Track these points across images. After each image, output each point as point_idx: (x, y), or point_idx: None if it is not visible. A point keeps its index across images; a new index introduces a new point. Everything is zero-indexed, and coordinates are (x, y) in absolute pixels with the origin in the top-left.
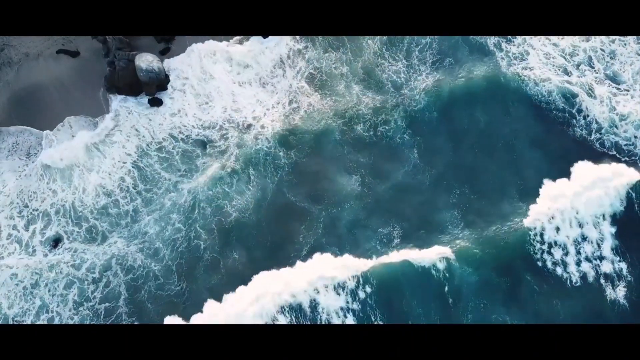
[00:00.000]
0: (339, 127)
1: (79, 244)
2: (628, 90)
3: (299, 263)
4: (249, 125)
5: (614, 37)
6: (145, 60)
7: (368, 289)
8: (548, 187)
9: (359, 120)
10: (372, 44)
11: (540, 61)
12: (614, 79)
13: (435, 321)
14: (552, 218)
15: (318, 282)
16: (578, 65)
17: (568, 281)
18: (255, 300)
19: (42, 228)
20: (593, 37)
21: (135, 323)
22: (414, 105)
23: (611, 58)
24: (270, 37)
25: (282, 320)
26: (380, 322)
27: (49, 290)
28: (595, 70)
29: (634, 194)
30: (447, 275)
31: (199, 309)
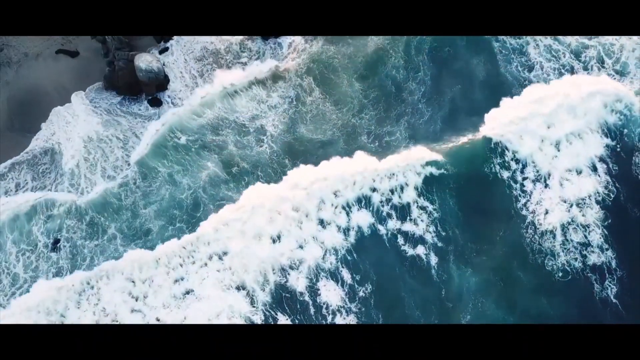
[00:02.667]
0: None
1: (78, 239)
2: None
3: None
4: (250, 128)
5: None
6: (145, 61)
7: None
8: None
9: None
10: (375, 39)
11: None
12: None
13: None
14: None
15: None
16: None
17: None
18: None
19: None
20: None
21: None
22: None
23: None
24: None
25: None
26: None
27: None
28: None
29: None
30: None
31: None
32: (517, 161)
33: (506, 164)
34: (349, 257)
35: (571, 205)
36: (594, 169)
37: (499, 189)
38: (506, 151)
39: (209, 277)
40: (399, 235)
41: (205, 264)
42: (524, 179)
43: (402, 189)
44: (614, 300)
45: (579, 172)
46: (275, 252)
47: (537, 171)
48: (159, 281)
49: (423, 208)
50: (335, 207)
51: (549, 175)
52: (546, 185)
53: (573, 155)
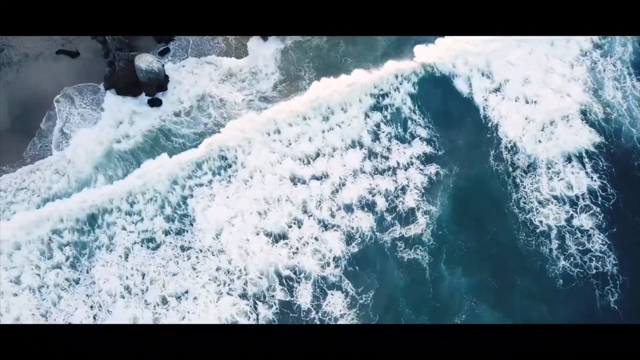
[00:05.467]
0: None
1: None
2: None
3: None
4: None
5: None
6: (145, 61)
7: None
8: None
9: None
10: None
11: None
12: None
13: None
14: None
15: None
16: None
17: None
18: None
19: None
20: None
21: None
22: None
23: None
24: (270, 39)
25: None
26: None
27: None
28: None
29: None
30: None
31: None
32: (509, 150)
33: (501, 156)
34: (350, 268)
35: (564, 203)
36: (583, 164)
37: (495, 185)
38: (501, 140)
39: (205, 278)
40: (398, 241)
41: (205, 256)
42: (515, 168)
43: (403, 190)
44: (613, 306)
45: (568, 160)
46: (275, 257)
47: (529, 156)
48: (154, 276)
49: (426, 213)
50: (337, 209)
51: (537, 159)
52: (535, 173)
53: (562, 142)
